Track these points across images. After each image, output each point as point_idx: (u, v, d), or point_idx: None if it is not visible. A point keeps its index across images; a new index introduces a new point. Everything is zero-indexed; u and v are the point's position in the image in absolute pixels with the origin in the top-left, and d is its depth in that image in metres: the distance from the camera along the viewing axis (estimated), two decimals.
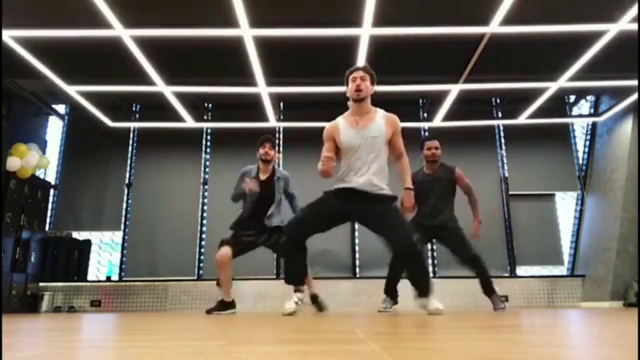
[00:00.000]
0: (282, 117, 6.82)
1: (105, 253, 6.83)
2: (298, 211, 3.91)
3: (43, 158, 6.10)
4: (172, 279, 6.29)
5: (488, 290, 4.02)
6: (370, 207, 2.99)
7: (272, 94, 5.83)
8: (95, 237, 6.79)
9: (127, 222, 6.71)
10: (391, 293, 4.12)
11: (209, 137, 7.02)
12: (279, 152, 6.77)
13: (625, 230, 5.83)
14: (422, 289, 3.04)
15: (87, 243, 6.60)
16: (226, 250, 3.84)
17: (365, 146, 3.00)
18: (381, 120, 3.08)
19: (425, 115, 6.82)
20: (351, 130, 3.06)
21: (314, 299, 4.16)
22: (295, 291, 3.22)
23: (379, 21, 4.30)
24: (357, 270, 6.49)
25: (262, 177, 4.07)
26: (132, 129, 7.03)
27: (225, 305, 3.95)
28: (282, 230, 3.77)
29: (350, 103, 3.16)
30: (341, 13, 4.29)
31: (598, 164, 6.64)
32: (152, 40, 4.64)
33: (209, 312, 3.93)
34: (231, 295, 3.98)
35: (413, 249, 2.97)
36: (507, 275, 6.52)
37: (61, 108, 7.07)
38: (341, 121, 3.15)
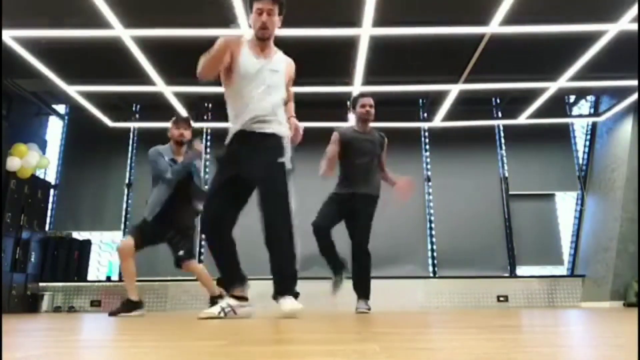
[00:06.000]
0: None
1: (105, 253, 6.83)
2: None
3: (43, 158, 6.10)
4: (172, 279, 6.27)
5: (363, 290, 3.60)
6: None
7: None
8: (95, 237, 6.79)
9: (127, 222, 6.71)
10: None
11: (209, 137, 7.02)
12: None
13: (625, 230, 5.83)
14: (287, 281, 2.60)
15: (87, 243, 6.59)
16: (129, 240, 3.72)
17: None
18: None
19: (425, 115, 6.81)
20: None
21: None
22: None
23: (379, 21, 4.30)
24: None
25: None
26: (132, 129, 7.04)
27: (133, 305, 3.61)
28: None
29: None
30: (341, 13, 4.29)
31: (598, 164, 6.64)
32: (152, 40, 4.65)
33: (113, 314, 3.52)
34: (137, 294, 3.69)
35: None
36: (507, 275, 6.52)
37: (61, 108, 7.08)
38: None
